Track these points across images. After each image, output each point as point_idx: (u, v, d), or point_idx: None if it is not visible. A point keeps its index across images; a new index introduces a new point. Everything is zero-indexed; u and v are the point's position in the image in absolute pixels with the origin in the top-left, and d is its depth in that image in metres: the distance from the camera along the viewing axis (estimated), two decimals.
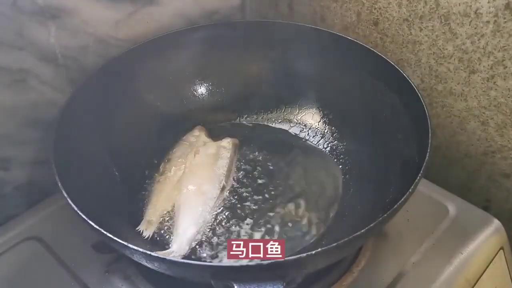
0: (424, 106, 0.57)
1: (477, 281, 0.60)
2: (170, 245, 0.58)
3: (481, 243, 0.62)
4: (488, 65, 0.65)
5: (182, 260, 0.47)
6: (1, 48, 0.60)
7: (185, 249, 0.57)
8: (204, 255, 0.58)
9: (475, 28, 0.64)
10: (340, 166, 0.70)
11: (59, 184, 0.48)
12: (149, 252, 0.42)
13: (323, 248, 0.42)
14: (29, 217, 0.66)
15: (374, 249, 0.61)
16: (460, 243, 0.61)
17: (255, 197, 0.65)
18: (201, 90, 0.78)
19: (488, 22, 0.62)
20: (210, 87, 0.78)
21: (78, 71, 0.68)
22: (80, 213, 0.46)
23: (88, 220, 0.45)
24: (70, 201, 0.47)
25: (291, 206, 0.64)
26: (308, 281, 0.55)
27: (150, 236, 0.59)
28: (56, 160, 0.52)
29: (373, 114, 0.67)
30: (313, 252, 0.41)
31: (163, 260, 0.43)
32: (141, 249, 0.42)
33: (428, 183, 0.69)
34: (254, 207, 0.64)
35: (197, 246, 0.58)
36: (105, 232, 0.44)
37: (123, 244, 0.43)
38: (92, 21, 0.67)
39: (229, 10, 0.85)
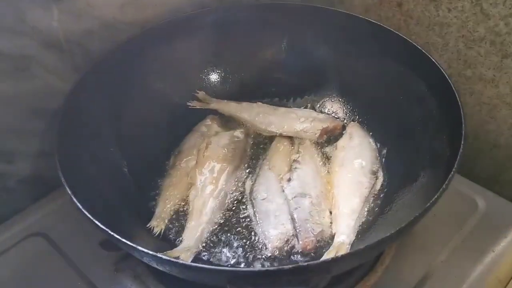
0: (456, 93, 0.53)
1: (510, 280, 0.57)
2: (180, 242, 0.55)
3: None
4: None
5: (196, 264, 0.44)
6: (1, 33, 0.57)
7: (196, 247, 0.54)
8: (218, 252, 0.55)
9: (510, 8, 0.60)
10: None
11: (63, 180, 0.45)
12: (159, 255, 0.39)
13: (349, 252, 0.38)
14: (34, 212, 0.64)
15: (399, 246, 0.57)
16: (491, 240, 0.58)
17: None
18: (213, 77, 0.74)
19: None
20: (222, 73, 0.75)
21: (83, 57, 0.65)
22: (85, 212, 0.43)
23: (94, 219, 0.42)
24: (74, 198, 0.44)
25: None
26: (330, 281, 0.51)
27: (162, 233, 0.56)
28: (60, 153, 0.49)
29: (398, 103, 0.63)
30: (339, 255, 0.38)
31: (174, 264, 0.40)
32: (150, 252, 0.39)
33: (455, 176, 0.65)
34: None
35: (210, 243, 0.55)
36: (112, 233, 0.41)
37: (131, 245, 0.40)
38: (97, 4, 0.64)
39: None
